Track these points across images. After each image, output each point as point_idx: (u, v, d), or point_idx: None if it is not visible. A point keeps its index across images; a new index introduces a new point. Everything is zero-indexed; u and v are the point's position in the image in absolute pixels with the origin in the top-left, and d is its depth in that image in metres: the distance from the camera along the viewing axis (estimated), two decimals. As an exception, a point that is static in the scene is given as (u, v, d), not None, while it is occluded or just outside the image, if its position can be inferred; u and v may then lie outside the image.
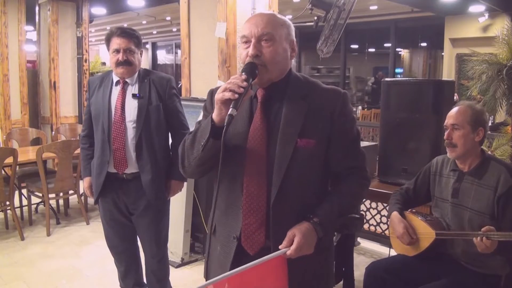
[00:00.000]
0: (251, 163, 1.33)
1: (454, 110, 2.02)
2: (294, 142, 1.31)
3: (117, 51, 2.27)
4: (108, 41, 2.31)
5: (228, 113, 1.21)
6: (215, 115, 1.26)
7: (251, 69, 1.28)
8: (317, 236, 1.30)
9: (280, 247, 1.25)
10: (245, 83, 1.24)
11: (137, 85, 2.35)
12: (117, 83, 2.34)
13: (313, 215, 1.30)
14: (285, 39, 1.34)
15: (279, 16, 1.38)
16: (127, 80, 2.33)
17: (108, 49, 2.32)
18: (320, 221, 1.30)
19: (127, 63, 2.27)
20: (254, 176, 1.32)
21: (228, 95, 1.22)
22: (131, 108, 2.31)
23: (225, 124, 1.20)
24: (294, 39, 1.39)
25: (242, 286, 1.19)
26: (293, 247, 1.24)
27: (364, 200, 3.80)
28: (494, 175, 1.92)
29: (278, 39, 1.32)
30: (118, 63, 2.27)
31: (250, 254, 1.34)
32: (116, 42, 2.26)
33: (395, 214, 2.13)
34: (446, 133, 2.01)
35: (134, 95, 2.32)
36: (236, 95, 1.22)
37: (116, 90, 2.34)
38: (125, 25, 10.72)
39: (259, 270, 1.20)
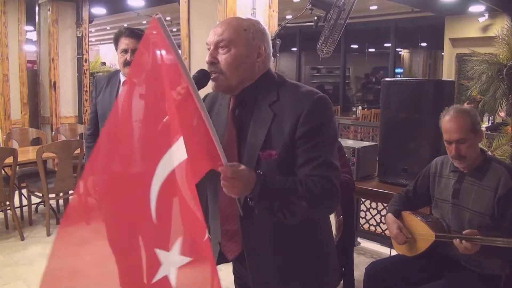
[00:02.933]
0: None
1: (452, 123, 1.93)
2: (257, 154, 1.26)
3: (125, 51, 2.28)
4: (116, 41, 2.33)
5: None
6: None
7: (199, 77, 1.27)
8: (253, 189, 1.17)
9: (228, 163, 1.16)
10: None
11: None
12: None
13: (263, 174, 1.20)
14: (246, 45, 1.28)
15: (245, 20, 1.32)
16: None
17: (116, 49, 2.34)
18: (264, 180, 1.18)
19: None
20: None
21: None
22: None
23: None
24: (263, 44, 1.31)
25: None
26: (235, 168, 1.14)
27: (364, 201, 3.80)
28: (495, 176, 1.92)
29: (237, 45, 1.27)
30: (126, 63, 2.29)
31: (229, 259, 1.38)
32: (124, 42, 2.28)
33: (389, 215, 2.14)
34: (453, 149, 1.92)
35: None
36: None
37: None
38: (125, 25, 10.74)
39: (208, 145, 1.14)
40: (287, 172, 1.26)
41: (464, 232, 1.82)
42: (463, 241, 1.80)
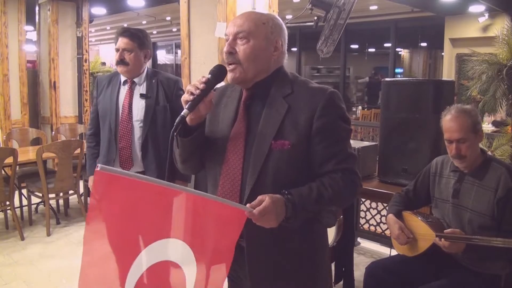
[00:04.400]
0: (228, 163, 1.34)
1: (453, 122, 1.93)
2: (269, 143, 1.28)
3: (117, 50, 2.34)
4: (116, 40, 2.38)
5: (181, 113, 1.24)
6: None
7: (216, 71, 1.30)
8: (285, 214, 1.20)
9: (248, 205, 1.17)
10: (203, 85, 1.25)
11: (145, 85, 2.41)
12: (125, 82, 2.42)
13: (288, 192, 1.23)
14: (265, 38, 1.31)
15: (264, 14, 1.35)
16: (134, 79, 2.40)
17: None
18: (293, 199, 1.22)
19: (122, 63, 2.34)
20: (230, 175, 1.32)
21: (186, 96, 1.26)
22: (139, 107, 2.36)
23: (175, 123, 1.23)
24: (280, 39, 1.35)
25: (197, 211, 1.17)
26: (259, 207, 1.15)
27: (364, 201, 3.80)
28: (495, 176, 1.92)
29: (256, 37, 1.30)
30: (116, 62, 2.35)
31: None
32: (118, 42, 2.34)
33: (390, 216, 2.14)
34: (454, 148, 1.93)
35: (142, 95, 2.38)
36: (191, 97, 1.25)
37: (124, 90, 2.41)
38: (125, 25, 10.73)
39: (218, 211, 1.15)
40: (297, 163, 1.29)
41: (445, 231, 1.85)
42: (442, 240, 1.83)
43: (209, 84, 1.27)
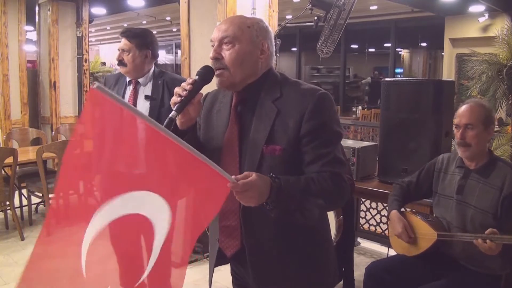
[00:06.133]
0: (225, 169, 1.31)
1: (466, 108, 1.97)
2: (260, 149, 1.27)
3: (118, 50, 2.35)
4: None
5: (169, 115, 1.22)
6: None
7: (203, 72, 1.29)
8: (269, 195, 1.16)
9: (233, 177, 1.13)
10: (189, 86, 1.24)
11: (150, 86, 2.39)
12: (130, 83, 2.40)
13: (276, 176, 1.19)
14: (250, 42, 1.30)
15: (248, 18, 1.34)
16: (139, 80, 2.38)
17: None
18: (279, 183, 1.18)
19: (121, 63, 2.34)
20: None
21: (174, 99, 1.25)
22: (143, 109, 2.34)
23: (163, 125, 1.20)
24: (266, 41, 1.33)
25: (184, 168, 1.11)
26: (244, 180, 1.11)
27: (364, 201, 3.80)
28: (501, 175, 1.92)
29: (241, 42, 1.29)
30: (118, 63, 2.36)
31: (227, 256, 1.38)
32: (120, 42, 2.34)
33: (394, 212, 2.14)
34: (459, 133, 1.95)
35: (146, 97, 2.36)
36: (179, 98, 1.24)
37: (129, 90, 2.40)
38: (125, 25, 10.72)
39: (204, 173, 1.10)
40: (291, 167, 1.28)
41: (486, 232, 1.80)
42: (487, 241, 1.78)
43: (196, 85, 1.26)
